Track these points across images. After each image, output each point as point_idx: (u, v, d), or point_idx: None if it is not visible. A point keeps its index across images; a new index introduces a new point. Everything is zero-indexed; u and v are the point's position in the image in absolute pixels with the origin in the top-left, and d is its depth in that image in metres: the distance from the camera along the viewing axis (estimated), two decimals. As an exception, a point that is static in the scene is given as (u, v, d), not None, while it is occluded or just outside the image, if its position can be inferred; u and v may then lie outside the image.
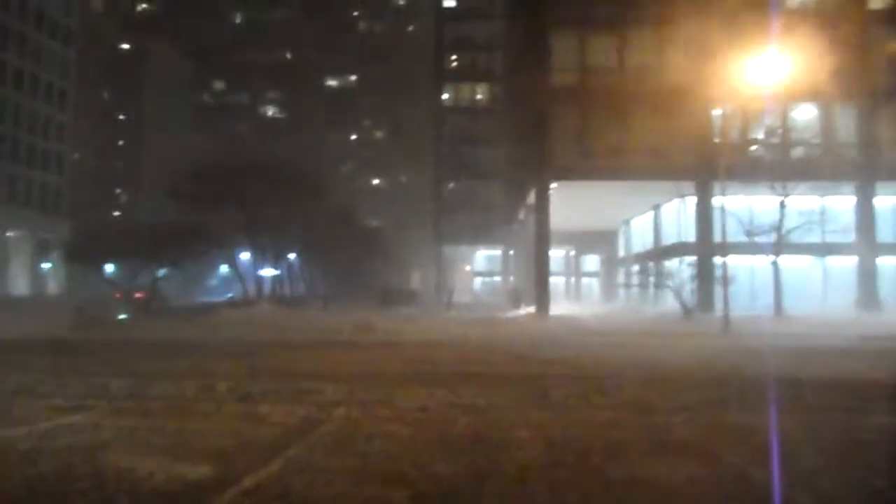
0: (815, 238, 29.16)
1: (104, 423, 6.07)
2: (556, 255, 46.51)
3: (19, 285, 60.53)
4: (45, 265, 64.74)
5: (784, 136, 30.15)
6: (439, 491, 4.06)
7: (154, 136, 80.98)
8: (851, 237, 30.82)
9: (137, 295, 35.38)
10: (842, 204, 31.12)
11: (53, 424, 5.94)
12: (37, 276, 64.05)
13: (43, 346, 14.76)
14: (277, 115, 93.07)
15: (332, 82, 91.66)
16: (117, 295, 35.00)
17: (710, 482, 4.29)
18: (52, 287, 64.30)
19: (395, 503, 3.82)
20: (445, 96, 65.94)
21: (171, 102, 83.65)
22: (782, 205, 27.15)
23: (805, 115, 31.30)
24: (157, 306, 32.22)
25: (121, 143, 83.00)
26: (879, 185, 30.69)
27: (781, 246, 27.21)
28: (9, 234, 60.73)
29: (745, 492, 4.12)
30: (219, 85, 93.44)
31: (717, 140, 28.91)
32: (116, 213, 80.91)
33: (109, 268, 40.44)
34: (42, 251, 63.42)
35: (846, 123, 31.35)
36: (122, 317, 27.71)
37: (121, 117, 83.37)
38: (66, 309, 28.70)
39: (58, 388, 7.99)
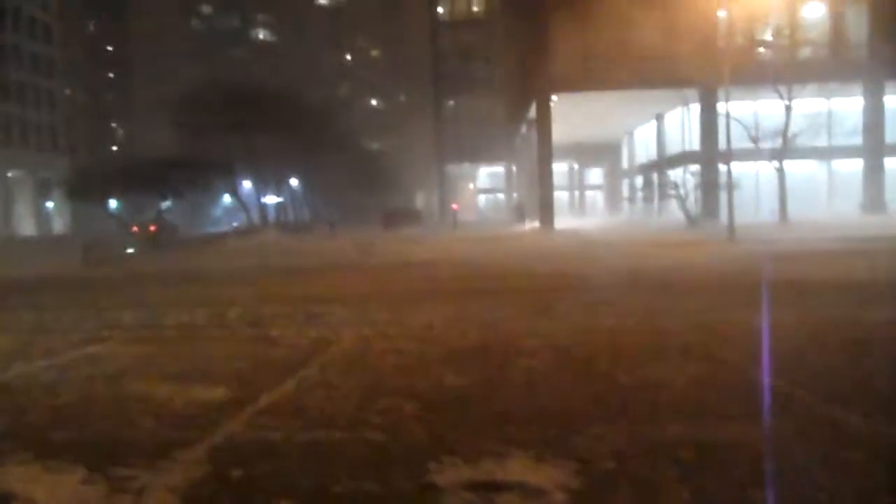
0: (821, 142, 28.77)
1: (121, 352, 6.23)
2: (559, 169, 46.16)
3: (25, 225, 60.79)
4: (49, 204, 64.75)
5: (791, 37, 29.24)
6: (450, 400, 4.20)
7: (144, 67, 79.22)
8: (858, 139, 30.38)
9: (152, 228, 35.81)
10: (849, 106, 30.52)
11: (73, 356, 6.09)
12: (41, 216, 64.19)
13: (56, 284, 14.97)
14: (270, 39, 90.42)
15: (323, 1, 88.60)
16: (134, 228, 35.22)
17: (710, 382, 4.41)
18: (58, 225, 64.57)
19: (407, 414, 3.95)
20: (441, 10, 63.84)
21: (160, 30, 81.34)
22: (788, 108, 26.66)
23: (813, 13, 30.24)
24: (165, 239, 32.41)
25: (111, 75, 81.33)
26: (888, 85, 29.99)
27: (786, 151, 26.90)
28: (9, 174, 60.47)
29: (744, 390, 4.23)
30: (206, 9, 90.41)
31: (721, 44, 28.08)
32: (114, 148, 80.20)
33: (113, 203, 40.44)
34: (44, 190, 63.29)
35: (856, 21, 30.33)
36: (130, 251, 27.93)
37: (109, 49, 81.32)
38: (73, 246, 28.94)
39: (74, 323, 8.15)
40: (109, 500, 2.92)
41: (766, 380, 4.42)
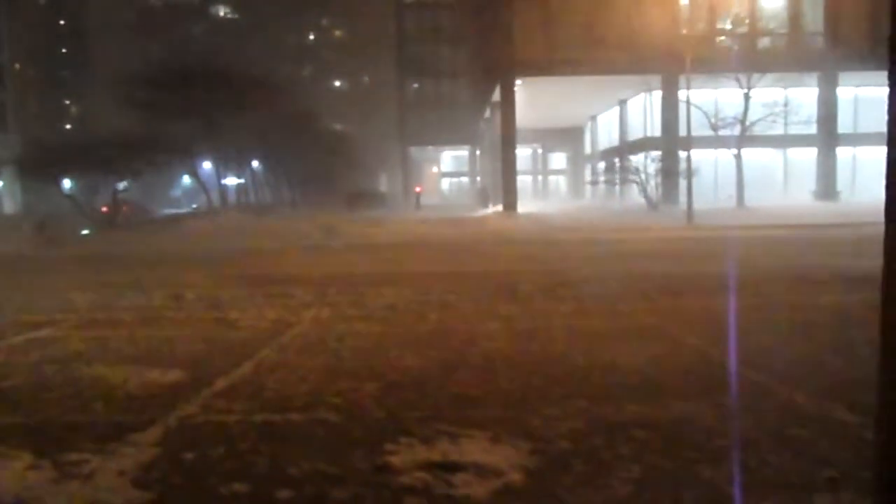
0: (777, 130, 29.42)
1: (74, 335, 6.07)
2: (523, 153, 46.36)
3: (-27, 205, 58.71)
4: (-1, 183, 62.54)
5: (751, 27, 29.72)
6: (408, 382, 4.20)
7: (100, 43, 76.73)
8: (812, 129, 31.13)
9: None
10: (804, 96, 31.22)
11: (23, 339, 5.92)
12: (-9, 195, 61.99)
13: (6, 264, 14.50)
14: (231, 16, 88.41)
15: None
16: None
17: (669, 362, 4.50)
18: (8, 205, 62.44)
19: (367, 395, 3.94)
20: (406, -9, 63.16)
21: (117, 4, 78.72)
22: (746, 97, 27.18)
23: (772, 3, 30.75)
24: (121, 220, 31.62)
25: (64, 50, 78.60)
26: (842, 76, 30.76)
27: (744, 139, 27.46)
28: (-45, 151, 58.19)
29: (703, 369, 4.33)
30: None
31: (684, 31, 28.41)
32: (68, 126, 77.75)
33: (67, 183, 39.26)
34: (-7, 168, 61.07)
35: (813, 12, 30.95)
36: (85, 231, 27.19)
37: (61, 22, 78.53)
38: (25, 226, 28.06)
39: (24, 305, 7.92)
40: (57, 486, 2.85)
41: (721, 360, 4.53)
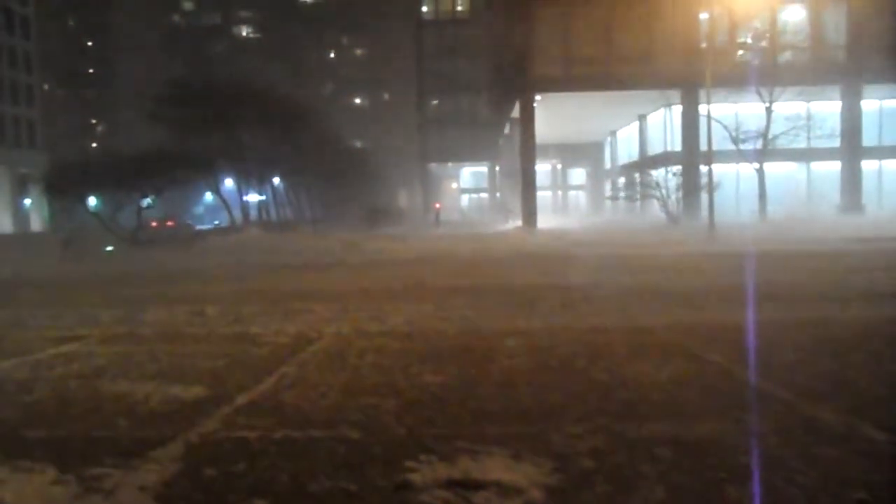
0: (800, 144, 29.15)
1: (97, 350, 6.14)
2: (543, 168, 46.34)
3: (2, 222, 59.85)
4: (26, 201, 63.79)
5: (772, 40, 29.58)
6: (428, 399, 4.18)
7: (125, 63, 78.33)
8: (836, 142, 30.80)
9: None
10: (828, 108, 30.94)
11: (47, 354, 6.00)
12: (19, 213, 63.21)
13: (33, 281, 14.74)
14: (252, 36, 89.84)
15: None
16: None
17: (692, 379, 4.43)
18: (36, 222, 63.61)
19: (387, 411, 3.93)
20: (425, 9, 63.77)
21: (141, 26, 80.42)
22: (768, 111, 26.99)
23: (793, 16, 30.60)
24: (144, 236, 32.04)
25: (91, 70, 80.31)
26: (866, 89, 30.44)
27: (767, 152, 27.24)
28: (-14, 170, 59.56)
29: (726, 386, 4.26)
30: (188, 5, 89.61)
31: (703, 46, 28.35)
32: (94, 144, 79.22)
33: (92, 200, 39.94)
34: (21, 187, 62.33)
35: (835, 25, 30.74)
36: (109, 248, 27.59)
37: (88, 44, 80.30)
38: (51, 243, 28.56)
39: (50, 320, 8.03)
40: (80, 501, 2.86)
41: (747, 378, 4.45)
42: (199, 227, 47.97)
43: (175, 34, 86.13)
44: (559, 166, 55.88)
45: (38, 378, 5.10)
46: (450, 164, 65.06)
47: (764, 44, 28.90)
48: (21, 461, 3.28)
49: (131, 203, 34.81)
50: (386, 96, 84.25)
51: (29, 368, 5.45)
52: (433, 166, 64.33)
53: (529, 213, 30.84)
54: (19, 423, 3.98)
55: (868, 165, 31.55)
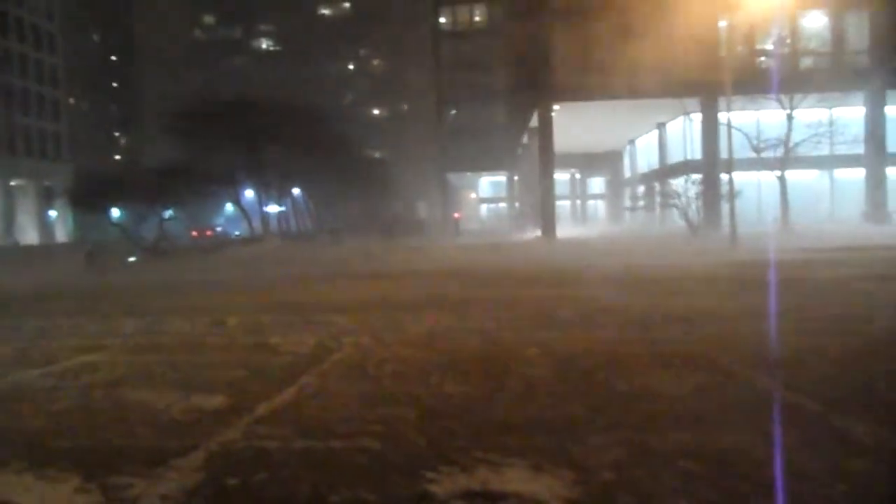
0: (823, 151, 28.77)
1: (121, 360, 6.21)
2: (561, 178, 46.24)
3: (28, 234, 60.91)
4: (52, 213, 64.88)
5: (792, 47, 29.32)
6: (449, 409, 4.17)
7: (147, 76, 79.63)
8: (860, 149, 30.38)
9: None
10: (851, 115, 30.55)
11: (74, 363, 6.08)
12: (44, 225, 64.32)
13: (57, 292, 14.97)
14: (272, 49, 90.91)
15: (325, 11, 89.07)
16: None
17: (716, 390, 4.38)
18: (60, 234, 64.67)
19: (406, 422, 3.92)
20: (443, 20, 64.11)
21: (163, 41, 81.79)
22: (789, 118, 26.71)
23: (814, 22, 30.32)
24: (166, 247, 32.44)
25: (115, 84, 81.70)
26: (890, 94, 30.03)
27: (788, 160, 26.93)
28: (12, 183, 60.65)
29: (751, 397, 4.20)
30: (209, 19, 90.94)
31: (722, 53, 28.16)
32: (117, 157, 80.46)
33: (115, 212, 40.57)
34: (47, 199, 63.45)
35: (857, 30, 30.41)
36: (131, 259, 27.96)
37: (112, 58, 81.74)
38: (76, 254, 29.00)
39: (74, 330, 8.14)
40: (103, 509, 2.89)
41: (771, 388, 4.38)
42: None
43: (196, 48, 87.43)
44: (578, 175, 55.70)
45: (63, 387, 5.16)
46: (468, 174, 65.13)
47: (785, 50, 28.64)
48: (46, 469, 3.32)
49: (153, 215, 35.29)
50: (404, 107, 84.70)
51: (54, 377, 5.52)
52: (452, 176, 64.45)
53: (548, 222, 30.76)
54: (44, 431, 4.03)
55: (893, 173, 31.05)
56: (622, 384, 4.61)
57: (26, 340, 7.47)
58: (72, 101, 72.54)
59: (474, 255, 21.62)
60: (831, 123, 28.74)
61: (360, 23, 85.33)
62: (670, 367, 5.04)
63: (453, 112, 64.61)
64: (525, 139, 41.86)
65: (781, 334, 6.12)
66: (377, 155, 70.06)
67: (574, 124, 33.28)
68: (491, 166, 62.19)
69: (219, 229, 52.23)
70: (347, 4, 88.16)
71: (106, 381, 5.28)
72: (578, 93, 29.50)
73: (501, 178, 64.41)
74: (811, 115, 27.50)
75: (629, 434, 3.55)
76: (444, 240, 35.32)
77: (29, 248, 50.12)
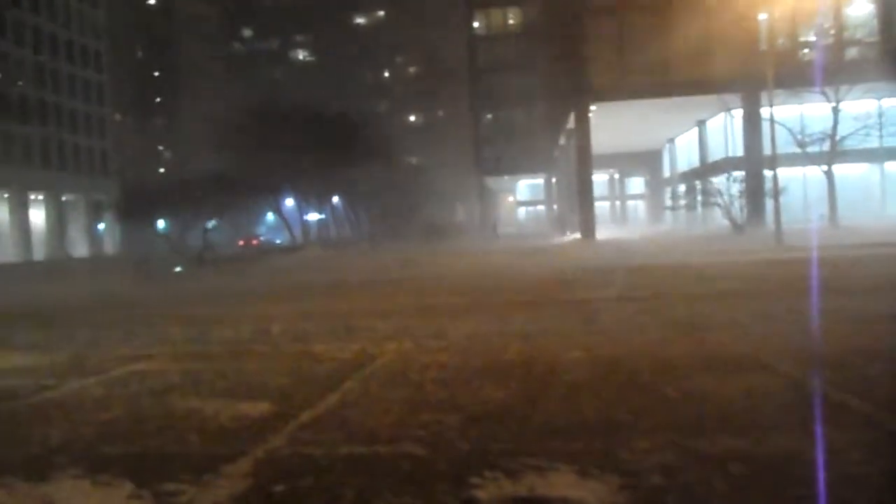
0: (872, 143, 27.88)
1: (170, 368, 6.35)
2: (600, 178, 45.80)
3: (78, 247, 62.87)
4: (100, 226, 66.90)
5: (837, 36, 28.49)
6: (491, 414, 4.15)
7: (189, 91, 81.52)
8: (912, 140, 29.37)
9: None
10: (901, 105, 29.57)
11: (123, 371, 6.24)
12: (94, 237, 66.33)
13: (108, 302, 15.40)
14: (308, 59, 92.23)
15: (360, 20, 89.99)
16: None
17: (765, 392, 4.27)
18: (109, 246, 66.60)
19: (450, 427, 3.92)
20: (477, 24, 64.16)
21: (202, 55, 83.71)
22: (835, 110, 25.95)
23: (859, 10, 29.44)
24: (210, 257, 33.12)
25: (158, 99, 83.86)
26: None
27: (835, 154, 26.16)
28: (64, 198, 62.74)
29: (801, 400, 4.09)
30: (247, 32, 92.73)
31: (763, 47, 27.54)
32: (162, 170, 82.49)
33: (161, 223, 41.61)
34: (96, 212, 65.44)
35: (904, 17, 29.44)
36: (178, 269, 28.63)
37: (155, 74, 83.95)
38: (125, 266, 29.81)
39: (125, 340, 8.35)
40: (156, 515, 2.96)
41: (822, 390, 4.26)
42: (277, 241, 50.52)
43: (236, 61, 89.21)
44: (616, 176, 55.11)
45: (114, 395, 5.31)
46: (506, 178, 64.96)
47: (829, 40, 27.87)
48: (100, 476, 3.41)
49: (197, 225, 36.07)
50: (440, 112, 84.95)
51: (105, 386, 5.68)
52: (489, 180, 64.36)
53: (587, 224, 30.48)
54: (97, 438, 4.14)
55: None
56: (667, 387, 4.53)
57: (79, 349, 7.70)
58: (117, 117, 74.68)
59: (513, 258, 21.54)
60: (881, 115, 27.84)
61: (394, 30, 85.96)
62: (715, 369, 4.94)
63: (489, 116, 64.55)
64: (562, 140, 41.60)
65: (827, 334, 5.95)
66: (414, 161, 70.36)
67: (611, 124, 32.93)
68: (528, 169, 61.97)
69: (262, 238, 53.81)
70: (382, 13, 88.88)
71: (155, 389, 5.40)
72: (616, 92, 29.19)
73: (539, 180, 64.11)
74: (859, 106, 26.68)
75: (675, 436, 3.49)
76: (482, 243, 35.27)
77: (80, 261, 51.71)
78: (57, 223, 61.07)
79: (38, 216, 59.44)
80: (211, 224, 37.30)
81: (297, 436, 3.94)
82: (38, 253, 56.21)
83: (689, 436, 3.51)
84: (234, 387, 5.37)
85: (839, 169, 27.01)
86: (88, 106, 66.48)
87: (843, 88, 25.68)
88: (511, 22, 64.12)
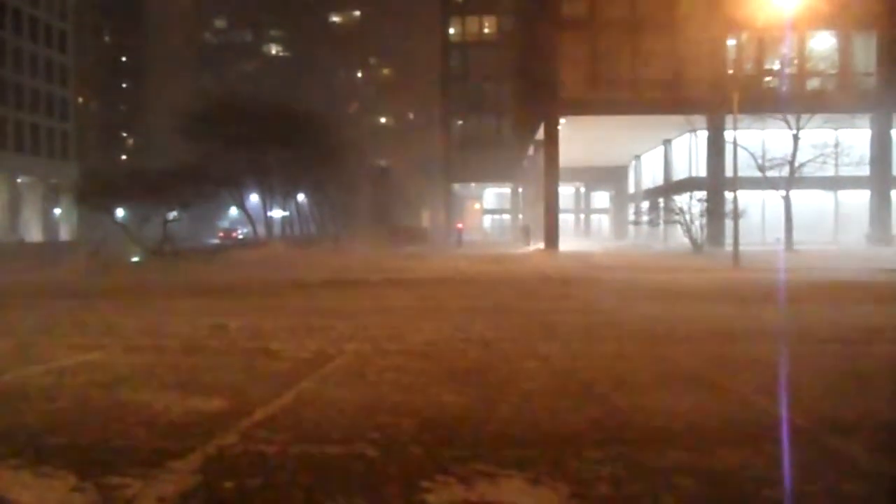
0: (828, 172, 28.76)
1: (121, 360, 6.21)
2: (566, 191, 46.31)
3: (32, 231, 61.04)
4: (56, 211, 65.07)
5: (800, 67, 29.37)
6: (447, 419, 4.16)
7: (157, 78, 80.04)
8: (865, 170, 30.37)
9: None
10: (856, 137, 30.56)
11: (73, 362, 6.08)
12: (49, 222, 64.48)
13: (59, 290, 14.98)
14: (281, 54, 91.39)
15: (336, 18, 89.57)
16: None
17: (713, 408, 4.36)
18: (64, 232, 64.82)
19: (405, 430, 3.92)
20: (452, 31, 64.37)
21: (173, 43, 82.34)
22: (796, 138, 26.70)
23: (822, 44, 30.40)
24: (169, 248, 32.45)
25: (124, 85, 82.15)
26: (896, 116, 30.07)
27: (793, 180, 26.90)
28: (19, 180, 60.88)
29: (749, 416, 4.19)
30: (220, 23, 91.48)
31: (730, 71, 28.23)
32: (124, 157, 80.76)
33: (120, 212, 40.65)
34: (52, 197, 63.59)
35: (864, 53, 30.49)
36: (135, 259, 27.99)
37: (123, 59, 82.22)
38: (79, 254, 29.03)
39: (74, 329, 8.15)
40: (99, 509, 2.88)
41: (769, 408, 4.37)
42: (217, 241, 49.43)
43: (207, 52, 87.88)
44: (582, 189, 55.76)
45: (62, 385, 5.17)
46: (473, 185, 65.19)
47: (792, 70, 28.69)
48: (42, 467, 3.32)
49: (158, 216, 35.32)
50: (411, 116, 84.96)
51: (53, 376, 5.52)
52: (457, 186, 64.52)
53: (551, 235, 30.76)
54: (42, 429, 4.03)
55: (898, 195, 31.05)
56: (620, 399, 4.60)
57: (25, 338, 7.47)
58: (81, 100, 72.86)
59: (476, 265, 21.61)
60: (837, 145, 28.73)
61: (369, 31, 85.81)
62: (668, 384, 5.03)
63: (460, 122, 64.76)
64: (531, 151, 41.98)
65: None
66: (383, 163, 70.20)
67: (580, 138, 33.35)
68: (496, 178, 62.25)
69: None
70: (357, 13, 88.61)
71: (105, 381, 5.28)
72: (585, 107, 29.58)
73: (506, 189, 64.48)
74: (817, 135, 27.51)
75: (626, 448, 3.54)
76: (446, 249, 35.32)
77: (32, 245, 50.19)
78: (10, 205, 59.21)
79: (-10, 197, 57.63)
80: (172, 215, 36.55)
81: (249, 433, 3.89)
82: (-11, 235, 54.39)
83: (639, 448, 3.57)
84: (187, 381, 5.27)
85: (797, 195, 27.80)
86: (50, 86, 64.68)
87: (804, 117, 26.45)
88: (486, 31, 64.47)
